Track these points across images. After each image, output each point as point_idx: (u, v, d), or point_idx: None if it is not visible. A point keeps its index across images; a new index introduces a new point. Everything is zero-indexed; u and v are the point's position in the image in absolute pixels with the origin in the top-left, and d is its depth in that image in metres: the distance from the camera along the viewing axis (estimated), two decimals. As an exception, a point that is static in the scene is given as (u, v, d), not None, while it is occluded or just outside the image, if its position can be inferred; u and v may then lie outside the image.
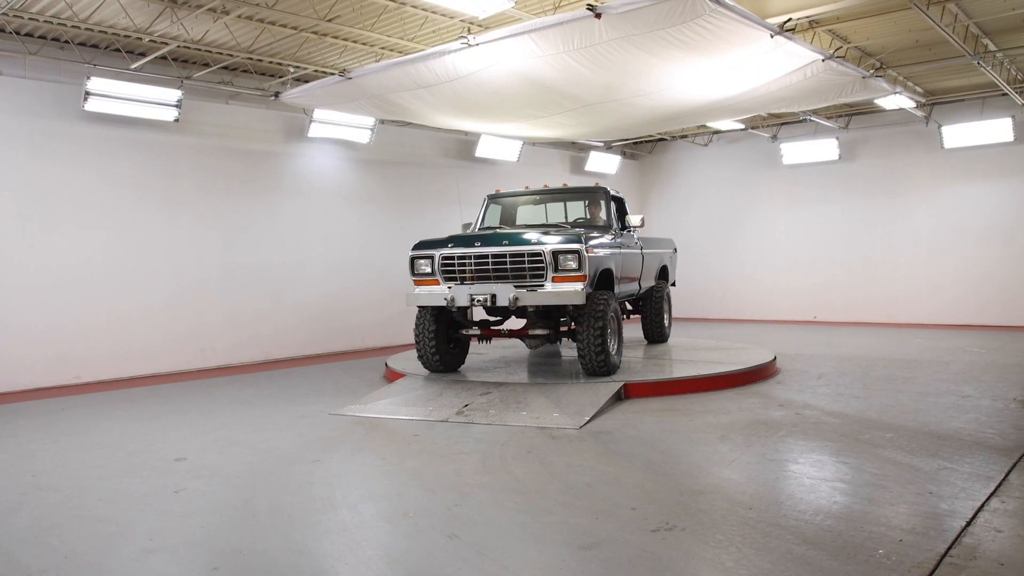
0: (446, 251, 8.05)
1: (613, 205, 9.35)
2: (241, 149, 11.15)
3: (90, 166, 9.58)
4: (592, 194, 9.57)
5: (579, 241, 7.64)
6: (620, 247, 8.91)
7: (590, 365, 7.77)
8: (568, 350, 10.25)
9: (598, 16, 6.38)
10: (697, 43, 6.97)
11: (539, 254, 7.62)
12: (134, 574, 3.67)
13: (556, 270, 7.58)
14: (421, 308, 8.39)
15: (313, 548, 3.92)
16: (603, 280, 8.22)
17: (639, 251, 9.74)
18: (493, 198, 9.92)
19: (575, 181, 15.61)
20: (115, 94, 9.33)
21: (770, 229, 16.60)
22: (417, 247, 8.30)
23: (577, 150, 16.69)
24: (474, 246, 7.92)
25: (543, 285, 7.65)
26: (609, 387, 7.43)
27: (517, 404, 7.09)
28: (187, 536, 4.14)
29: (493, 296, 7.69)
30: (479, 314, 9.19)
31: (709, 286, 17.17)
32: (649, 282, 10.44)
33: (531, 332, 8.24)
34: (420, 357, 8.51)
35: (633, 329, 11.19)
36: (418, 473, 5.23)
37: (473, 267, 7.90)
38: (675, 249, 11.73)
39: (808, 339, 12.74)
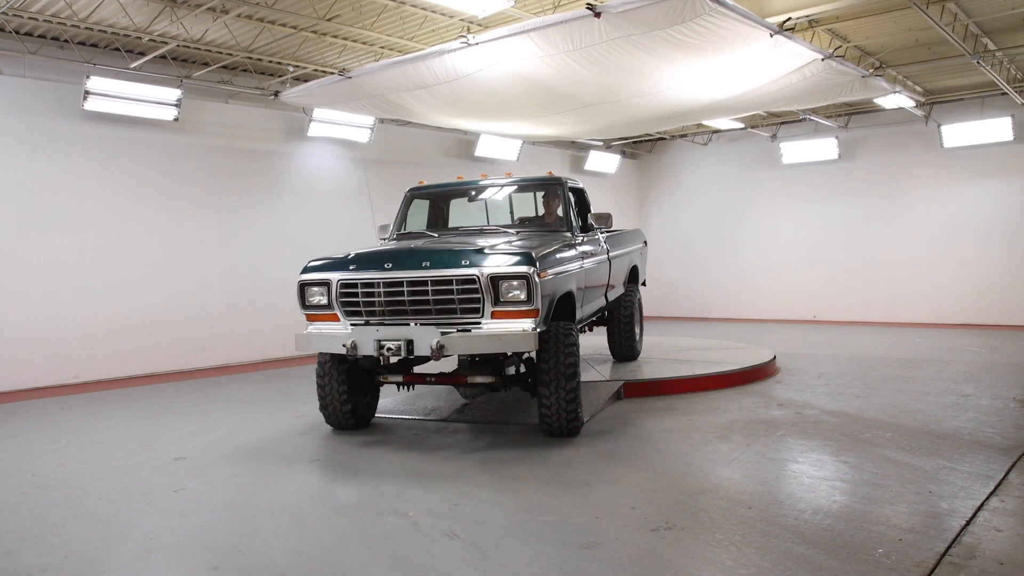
0: (346, 276, 5.83)
1: (572, 199, 7.27)
2: (241, 148, 11.14)
3: (90, 165, 9.57)
4: (546, 187, 7.40)
5: (529, 262, 5.49)
6: (583, 258, 6.82)
7: (558, 426, 5.86)
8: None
9: (597, 15, 6.38)
10: (697, 42, 6.97)
11: (472, 280, 5.48)
12: (134, 573, 3.67)
13: (497, 302, 5.48)
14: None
15: (312, 547, 3.92)
16: (562, 306, 6.16)
17: (605, 256, 7.68)
18: (415, 192, 7.76)
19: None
20: (115, 93, 9.32)
21: (770, 228, 16.59)
22: (307, 270, 6.03)
23: (577, 149, 16.69)
24: (384, 268, 5.72)
25: (479, 323, 5.54)
26: (609, 387, 7.43)
27: (516, 403, 7.08)
28: (187, 535, 4.14)
29: (409, 343, 5.53)
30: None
31: (708, 285, 17.16)
32: (618, 291, 8.50)
33: (469, 380, 6.07)
34: (323, 411, 6.43)
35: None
36: (418, 472, 5.23)
37: (383, 298, 5.70)
38: (645, 242, 9.90)
39: (807, 338, 12.74)
